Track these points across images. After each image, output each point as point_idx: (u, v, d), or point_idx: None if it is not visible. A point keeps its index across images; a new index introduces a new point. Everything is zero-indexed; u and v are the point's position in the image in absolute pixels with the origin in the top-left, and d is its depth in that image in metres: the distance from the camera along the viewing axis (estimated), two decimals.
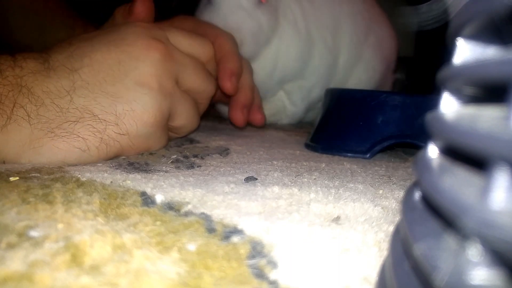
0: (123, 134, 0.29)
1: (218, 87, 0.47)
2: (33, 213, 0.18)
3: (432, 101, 0.29)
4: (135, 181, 0.24)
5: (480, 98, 0.11)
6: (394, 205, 0.23)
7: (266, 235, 0.17)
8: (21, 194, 0.20)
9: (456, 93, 0.12)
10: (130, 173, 0.26)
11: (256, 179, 0.27)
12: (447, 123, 0.10)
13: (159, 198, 0.21)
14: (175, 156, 0.33)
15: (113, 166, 0.28)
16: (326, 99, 0.45)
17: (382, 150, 0.39)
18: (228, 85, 0.41)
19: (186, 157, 0.33)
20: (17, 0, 0.55)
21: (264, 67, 0.56)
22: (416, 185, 0.13)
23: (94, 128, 0.28)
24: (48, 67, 0.28)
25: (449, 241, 0.09)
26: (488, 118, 0.09)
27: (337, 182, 0.27)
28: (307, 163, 0.33)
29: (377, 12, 0.69)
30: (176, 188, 0.23)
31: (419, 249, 0.09)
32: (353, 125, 0.40)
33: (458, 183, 0.09)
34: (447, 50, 0.12)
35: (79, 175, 0.24)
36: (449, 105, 0.12)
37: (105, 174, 0.25)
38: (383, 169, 0.33)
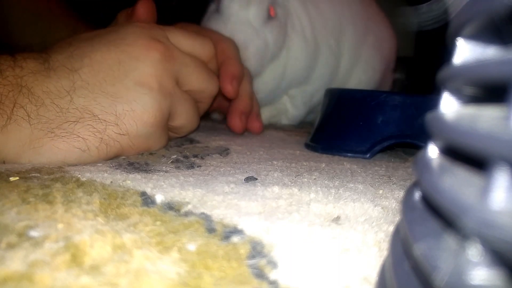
0: (123, 134, 0.29)
1: (216, 97, 0.47)
2: (33, 213, 0.18)
3: (432, 101, 0.29)
4: (135, 181, 0.24)
5: (480, 98, 0.11)
6: (394, 205, 0.23)
7: (266, 235, 0.17)
8: (21, 194, 0.20)
9: (456, 93, 0.12)
10: (130, 173, 0.26)
11: (256, 179, 0.27)
12: (447, 123, 0.10)
13: (159, 198, 0.21)
14: (175, 156, 0.33)
15: (113, 166, 0.28)
16: (326, 99, 0.45)
17: (382, 150, 0.39)
18: (229, 88, 0.41)
19: (186, 157, 0.33)
20: (20, 2, 0.55)
21: (274, 78, 0.56)
22: (416, 185, 0.13)
23: (94, 128, 0.28)
24: (48, 67, 0.28)
25: (449, 241, 0.09)
26: (488, 118, 0.09)
27: (337, 182, 0.27)
28: (307, 163, 0.33)
29: (375, 12, 0.69)
30: (176, 188, 0.23)
31: (419, 249, 0.09)
32: (353, 125, 0.40)
33: (458, 183, 0.09)
34: (447, 50, 0.12)
35: (79, 175, 0.24)
36: (449, 105, 0.12)
37: (105, 174, 0.25)
38: (383, 169, 0.33)
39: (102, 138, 0.28)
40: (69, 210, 0.18)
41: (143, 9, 0.38)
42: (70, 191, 0.21)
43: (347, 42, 0.63)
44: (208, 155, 0.35)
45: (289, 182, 0.26)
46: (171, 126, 0.35)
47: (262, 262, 0.15)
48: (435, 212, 0.11)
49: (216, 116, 0.61)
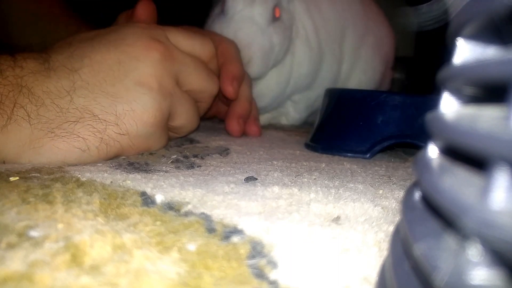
0: (123, 134, 0.29)
1: (215, 103, 0.48)
2: (33, 213, 0.18)
3: (432, 101, 0.29)
4: (135, 181, 0.24)
5: (480, 98, 0.11)
6: (394, 205, 0.23)
7: (266, 235, 0.17)
8: (21, 194, 0.20)
9: (456, 93, 0.12)
10: (130, 173, 0.26)
11: (256, 179, 0.27)
12: (447, 123, 0.10)
13: (159, 198, 0.21)
14: (175, 156, 0.33)
15: (113, 166, 0.28)
16: (326, 99, 0.45)
17: (382, 150, 0.39)
18: (229, 89, 0.41)
19: (186, 157, 0.33)
20: (20, 2, 0.55)
21: (278, 82, 0.56)
22: (416, 185, 0.13)
23: (94, 128, 0.28)
24: (48, 67, 0.28)
25: (449, 241, 0.09)
26: (488, 118, 0.09)
27: (337, 182, 0.27)
28: (307, 163, 0.33)
29: (374, 11, 0.69)
30: (176, 188, 0.23)
31: (419, 249, 0.09)
32: (353, 125, 0.40)
33: (458, 183, 0.09)
34: (447, 50, 0.12)
35: (79, 175, 0.24)
36: (449, 105, 0.12)
37: (105, 174, 0.25)
38: (383, 169, 0.33)
39: (102, 138, 0.28)
40: (69, 210, 0.18)
41: (144, 10, 0.38)
42: (70, 191, 0.21)
43: (348, 44, 0.62)
44: (208, 155, 0.35)
45: (289, 182, 0.26)
46: (171, 126, 0.35)
47: (262, 262, 0.15)
48: (435, 212, 0.11)
49: None
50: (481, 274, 0.08)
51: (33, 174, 0.23)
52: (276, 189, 0.24)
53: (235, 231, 0.18)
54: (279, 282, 0.14)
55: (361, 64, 0.65)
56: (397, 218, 0.20)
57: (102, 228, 0.16)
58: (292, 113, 0.63)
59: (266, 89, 0.55)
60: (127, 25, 0.34)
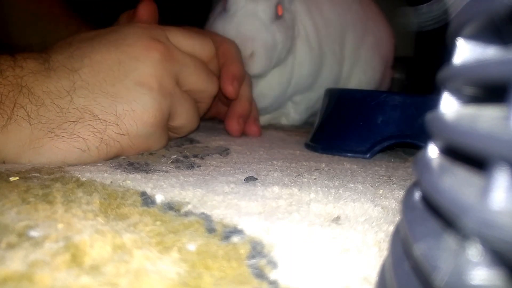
0: (123, 134, 0.29)
1: (214, 104, 0.47)
2: (33, 213, 0.18)
3: (432, 101, 0.29)
4: (135, 181, 0.24)
5: (480, 98, 0.11)
6: (394, 205, 0.23)
7: (266, 235, 0.17)
8: (21, 194, 0.20)
9: (456, 93, 0.12)
10: (130, 173, 0.26)
11: (256, 179, 0.27)
12: (447, 123, 0.10)
13: (159, 198, 0.21)
14: (175, 156, 0.33)
15: (113, 166, 0.28)
16: (326, 99, 0.45)
17: (382, 150, 0.39)
18: (230, 89, 0.41)
19: (186, 157, 0.33)
20: (22, 3, 0.55)
21: (280, 82, 0.56)
22: (416, 185, 0.13)
23: (94, 128, 0.28)
24: (48, 67, 0.28)
25: (449, 241, 0.09)
26: (488, 118, 0.09)
27: (337, 182, 0.27)
28: (307, 163, 0.33)
29: (373, 11, 0.69)
30: (176, 188, 0.23)
31: (419, 249, 0.09)
32: (353, 125, 0.40)
33: (458, 183, 0.09)
34: (447, 50, 0.12)
35: (79, 175, 0.24)
36: (449, 105, 0.12)
37: (105, 174, 0.25)
38: (383, 169, 0.33)
39: (102, 138, 0.28)
40: (69, 210, 0.18)
41: (145, 10, 0.38)
42: (70, 191, 0.21)
43: (348, 44, 0.62)
44: (208, 155, 0.35)
45: (289, 182, 0.26)
46: (171, 126, 0.35)
47: (262, 262, 0.15)
48: (435, 212, 0.11)
49: None
50: (481, 274, 0.08)
51: (33, 174, 0.23)
52: (276, 189, 0.24)
53: (235, 231, 0.18)
54: (279, 282, 0.14)
55: (361, 64, 0.65)
56: (397, 218, 0.20)
57: (102, 228, 0.16)
58: (293, 113, 0.63)
59: (267, 89, 0.55)
60: (128, 25, 0.34)
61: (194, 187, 0.23)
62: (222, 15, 0.50)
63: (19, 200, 0.19)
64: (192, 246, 0.16)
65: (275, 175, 0.28)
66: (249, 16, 0.49)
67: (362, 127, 0.39)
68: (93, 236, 0.16)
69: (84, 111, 0.28)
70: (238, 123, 0.45)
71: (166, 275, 0.13)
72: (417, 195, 0.13)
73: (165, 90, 0.32)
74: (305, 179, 0.27)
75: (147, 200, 0.21)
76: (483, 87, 0.11)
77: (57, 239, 0.15)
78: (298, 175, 0.29)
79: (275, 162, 0.33)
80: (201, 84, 0.36)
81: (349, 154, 0.39)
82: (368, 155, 0.38)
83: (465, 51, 0.12)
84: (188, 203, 0.21)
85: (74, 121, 0.27)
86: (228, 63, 0.42)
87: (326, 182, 0.27)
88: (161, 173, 0.27)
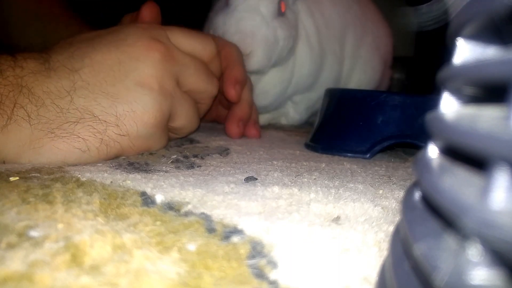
0: (123, 135, 0.29)
1: (215, 107, 0.47)
2: (33, 213, 0.18)
3: (432, 101, 0.29)
4: (135, 181, 0.24)
5: (480, 98, 0.11)
6: (394, 205, 0.23)
7: (266, 235, 0.17)
8: (21, 194, 0.20)
9: (456, 93, 0.12)
10: (130, 173, 0.26)
11: (256, 179, 0.27)
12: (447, 123, 0.10)
13: (159, 198, 0.21)
14: (175, 156, 0.33)
15: (113, 166, 0.28)
16: (326, 99, 0.45)
17: (382, 150, 0.39)
18: (232, 93, 0.41)
19: (186, 157, 0.33)
20: (22, 3, 0.55)
21: (281, 82, 0.56)
22: (416, 185, 0.13)
23: (95, 129, 0.28)
24: (49, 67, 0.28)
25: (449, 241, 0.09)
26: (488, 118, 0.09)
27: (337, 182, 0.27)
28: (307, 163, 0.33)
29: (372, 11, 0.69)
30: (176, 188, 0.23)
31: (419, 249, 0.09)
32: (353, 125, 0.40)
33: (458, 183, 0.09)
34: (447, 50, 0.12)
35: (79, 175, 0.24)
36: (449, 105, 0.12)
37: (105, 174, 0.25)
38: (383, 169, 0.33)
39: (102, 139, 0.28)
40: (69, 210, 0.18)
41: (148, 12, 0.38)
42: (70, 191, 0.21)
43: (348, 45, 0.62)
44: (208, 155, 0.35)
45: (289, 182, 0.26)
46: (171, 127, 0.35)
47: (262, 262, 0.15)
48: (435, 212, 0.11)
49: None
50: (481, 274, 0.08)
51: (33, 174, 0.23)
52: (276, 189, 0.24)
53: (235, 231, 0.18)
54: (279, 282, 0.14)
55: (361, 64, 0.65)
56: (397, 218, 0.20)
57: (102, 228, 0.16)
58: (292, 113, 0.63)
59: (267, 88, 0.55)
60: (128, 25, 0.34)
61: (194, 187, 0.23)
62: (224, 10, 0.50)
63: (19, 200, 0.19)
64: (192, 246, 0.16)
65: (275, 175, 0.28)
66: (250, 11, 0.48)
67: (362, 127, 0.39)
68: (93, 236, 0.16)
69: (84, 111, 0.28)
70: (238, 126, 0.45)
71: (166, 275, 0.13)
72: (417, 195, 0.13)
73: (165, 91, 0.32)
74: (305, 179, 0.27)
75: (147, 200, 0.21)
76: (483, 87, 0.11)
77: (57, 239, 0.15)
78: (298, 175, 0.29)
79: (275, 162, 0.33)
80: (201, 84, 0.36)
81: (349, 154, 0.39)
82: (368, 155, 0.38)
83: (465, 51, 0.12)
84: (188, 203, 0.21)
85: (74, 122, 0.27)
86: (230, 66, 0.42)
87: (326, 182, 0.27)
88: (161, 173, 0.27)
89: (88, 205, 0.19)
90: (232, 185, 0.24)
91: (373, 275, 0.14)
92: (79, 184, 0.22)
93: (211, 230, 0.18)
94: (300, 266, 0.15)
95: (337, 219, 0.20)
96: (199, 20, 0.56)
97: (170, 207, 0.20)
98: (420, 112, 0.37)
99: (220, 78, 0.42)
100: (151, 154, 0.33)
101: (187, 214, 0.19)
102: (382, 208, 0.22)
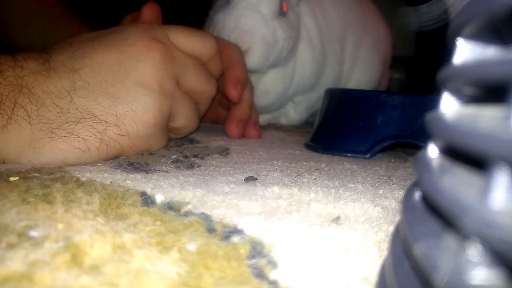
0: (123, 135, 0.29)
1: (215, 108, 0.47)
2: (33, 213, 0.18)
3: (432, 101, 0.29)
4: (135, 181, 0.24)
5: (480, 98, 0.11)
6: (394, 205, 0.23)
7: (266, 235, 0.17)
8: (21, 194, 0.20)
9: (456, 93, 0.12)
10: (130, 173, 0.26)
11: (256, 179, 0.27)
12: (447, 123, 0.10)
13: (159, 198, 0.21)
14: (175, 156, 0.33)
15: (113, 166, 0.28)
16: (326, 99, 0.45)
17: (382, 150, 0.39)
18: (233, 93, 0.42)
19: (186, 157, 0.33)
20: (22, 3, 0.55)
21: (282, 81, 0.56)
22: (416, 185, 0.13)
23: (95, 129, 0.28)
24: (49, 67, 0.28)
25: (449, 241, 0.09)
26: (488, 118, 0.09)
27: (337, 182, 0.27)
28: (307, 163, 0.33)
29: (372, 11, 0.69)
30: (176, 188, 0.23)
31: (419, 249, 0.09)
32: (353, 125, 0.40)
33: (458, 183, 0.09)
34: (447, 50, 0.12)
35: (79, 175, 0.24)
36: (449, 105, 0.12)
37: (105, 174, 0.25)
38: (383, 169, 0.33)
39: (102, 139, 0.28)
40: (69, 210, 0.18)
41: (149, 12, 0.38)
42: (70, 191, 0.21)
43: (349, 45, 0.62)
44: (208, 155, 0.35)
45: (289, 182, 0.26)
46: (171, 127, 0.35)
47: (262, 262, 0.15)
48: (435, 212, 0.11)
49: None
50: (481, 274, 0.08)
51: (33, 174, 0.23)
52: (276, 189, 0.24)
53: (235, 231, 0.18)
54: (279, 282, 0.14)
55: (360, 64, 0.65)
56: (397, 218, 0.20)
57: (102, 228, 0.16)
58: (292, 113, 0.63)
59: (269, 87, 0.55)
60: (129, 25, 0.34)
61: (194, 187, 0.23)
62: (225, 7, 0.50)
63: (19, 200, 0.19)
64: (192, 246, 0.16)
65: (275, 175, 0.28)
66: (250, 9, 0.48)
67: (362, 127, 0.39)
68: (93, 236, 0.16)
69: (85, 111, 0.28)
70: (237, 127, 0.45)
71: (166, 275, 0.13)
72: (417, 195, 0.13)
73: (165, 91, 0.32)
74: (305, 179, 0.27)
75: (147, 200, 0.21)
76: (483, 87, 0.11)
77: (57, 239, 0.15)
78: (298, 175, 0.29)
79: (275, 162, 0.33)
80: (200, 85, 0.36)
81: (349, 154, 0.39)
82: (368, 155, 0.38)
83: (465, 51, 0.12)
84: (188, 203, 0.21)
85: (74, 122, 0.27)
86: (231, 66, 0.42)
87: (326, 182, 0.27)
88: (161, 173, 0.27)
89: (88, 205, 0.19)
90: (232, 185, 0.24)
91: (373, 275, 0.14)
92: (79, 184, 0.22)
93: (211, 230, 0.18)
94: (300, 266, 0.15)
95: (337, 219, 0.20)
96: (199, 20, 0.56)
97: (170, 207, 0.20)
98: (420, 112, 0.37)
99: (221, 78, 0.42)
100: (151, 154, 0.33)
101: (187, 214, 0.19)
102: (382, 208, 0.22)
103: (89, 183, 0.23)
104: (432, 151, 0.12)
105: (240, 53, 0.45)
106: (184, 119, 0.35)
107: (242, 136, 0.47)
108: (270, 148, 0.40)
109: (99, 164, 0.28)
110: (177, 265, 0.14)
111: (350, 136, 0.40)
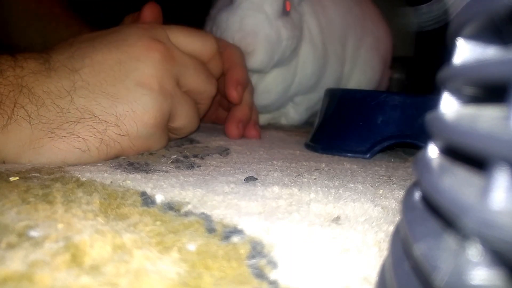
0: (123, 135, 0.29)
1: (215, 109, 0.47)
2: (33, 213, 0.18)
3: (432, 101, 0.29)
4: (135, 181, 0.24)
5: (480, 98, 0.11)
6: (394, 205, 0.23)
7: (266, 235, 0.17)
8: (21, 194, 0.20)
9: (456, 93, 0.12)
10: (130, 173, 0.26)
11: (256, 179, 0.27)
12: (447, 123, 0.10)
13: (159, 198, 0.21)
14: (175, 156, 0.33)
15: (113, 166, 0.28)
16: (326, 99, 0.45)
17: (382, 150, 0.39)
18: (234, 94, 0.42)
19: (186, 157, 0.33)
20: (22, 3, 0.55)
21: (283, 81, 0.55)
22: (416, 185, 0.13)
23: (95, 129, 0.28)
24: (49, 67, 0.28)
25: (449, 241, 0.09)
26: (488, 118, 0.09)
27: (337, 182, 0.27)
28: (307, 163, 0.33)
29: (372, 11, 0.69)
30: (176, 188, 0.23)
31: (419, 249, 0.09)
32: (353, 125, 0.40)
33: (458, 183, 0.09)
34: (447, 50, 0.12)
35: (79, 175, 0.24)
36: (449, 105, 0.12)
37: (105, 174, 0.25)
38: (383, 169, 0.33)
39: (102, 139, 0.28)
40: (69, 210, 0.18)
41: (150, 12, 0.38)
42: (70, 191, 0.21)
43: (349, 45, 0.62)
44: (208, 155, 0.35)
45: (289, 182, 0.26)
46: (171, 127, 0.35)
47: (262, 262, 0.15)
48: (435, 212, 0.11)
49: None
50: (481, 274, 0.08)
51: (33, 174, 0.23)
52: (276, 189, 0.24)
53: (235, 231, 0.18)
54: (279, 282, 0.14)
55: (360, 64, 0.65)
56: (397, 218, 0.20)
57: (102, 228, 0.16)
58: (292, 113, 0.63)
59: (270, 87, 0.55)
60: (129, 25, 0.34)
61: (194, 187, 0.23)
62: (228, 7, 0.50)
63: (19, 200, 0.19)
64: (192, 246, 0.16)
65: (275, 175, 0.28)
66: (254, 9, 0.48)
67: (362, 127, 0.39)
68: (93, 236, 0.16)
69: (85, 111, 0.28)
70: (237, 127, 0.45)
71: (166, 275, 0.13)
72: (417, 195, 0.13)
73: (165, 91, 0.32)
74: (305, 179, 0.27)
75: (147, 200, 0.21)
76: (483, 87, 0.11)
77: (57, 239, 0.15)
78: (298, 175, 0.29)
79: (275, 162, 0.33)
80: (200, 85, 0.36)
81: (349, 154, 0.39)
82: (368, 155, 0.38)
83: (465, 51, 0.12)
84: (188, 203, 0.21)
85: (75, 122, 0.27)
86: (232, 67, 0.42)
87: (326, 182, 0.27)
88: (161, 173, 0.27)
89: (88, 205, 0.19)
90: (232, 185, 0.24)
91: (373, 275, 0.14)
92: (79, 184, 0.22)
93: (211, 230, 0.18)
94: (300, 266, 0.15)
95: (337, 219, 0.20)
96: (200, 20, 0.56)
97: (170, 207, 0.20)
98: (420, 112, 0.37)
99: (221, 79, 0.42)
100: (151, 154, 0.33)
101: (187, 214, 0.19)
102: (382, 208, 0.22)
103: (89, 183, 0.23)
104: (432, 151, 0.12)
105: (240, 54, 0.45)
106: (184, 119, 0.35)
107: (242, 136, 0.47)
108: (270, 148, 0.40)
109: (99, 164, 0.28)
110: (177, 265, 0.14)
111: (350, 136, 0.40)
